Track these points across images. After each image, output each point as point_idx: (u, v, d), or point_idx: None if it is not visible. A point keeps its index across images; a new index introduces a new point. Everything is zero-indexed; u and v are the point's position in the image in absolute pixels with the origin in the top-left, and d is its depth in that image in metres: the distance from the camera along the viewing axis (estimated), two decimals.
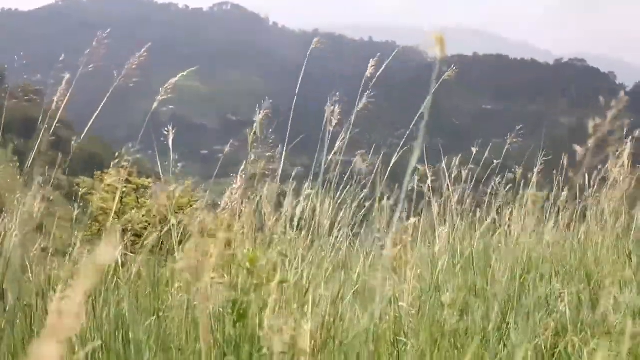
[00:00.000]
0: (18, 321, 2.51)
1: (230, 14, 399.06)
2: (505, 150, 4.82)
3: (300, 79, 3.80)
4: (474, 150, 4.80)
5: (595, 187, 4.73)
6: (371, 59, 3.42)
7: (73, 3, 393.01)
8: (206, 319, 1.46)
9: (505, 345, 2.18)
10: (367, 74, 3.32)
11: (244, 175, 3.20)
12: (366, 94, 3.29)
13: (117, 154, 3.14)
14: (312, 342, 1.74)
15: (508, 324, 2.47)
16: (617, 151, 4.61)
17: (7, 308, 2.49)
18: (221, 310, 1.90)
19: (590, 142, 1.38)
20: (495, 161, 4.97)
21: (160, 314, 2.19)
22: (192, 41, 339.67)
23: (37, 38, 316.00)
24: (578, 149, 1.44)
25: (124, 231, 3.14)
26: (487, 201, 4.73)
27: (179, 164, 3.63)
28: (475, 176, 4.69)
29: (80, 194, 3.78)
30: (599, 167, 4.75)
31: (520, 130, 4.90)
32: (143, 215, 3.87)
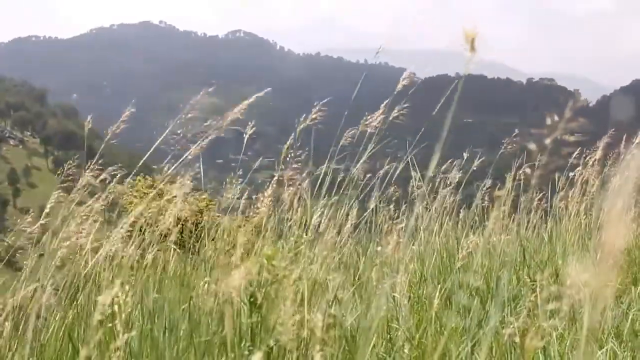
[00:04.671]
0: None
1: (242, 40, 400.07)
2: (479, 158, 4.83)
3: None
4: (465, 155, 4.79)
5: (564, 189, 4.75)
6: (405, 73, 3.22)
7: (104, 31, 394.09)
8: (230, 309, 1.47)
9: (483, 329, 2.19)
10: (400, 86, 3.15)
11: (274, 185, 3.17)
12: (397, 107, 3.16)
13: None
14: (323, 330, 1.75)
15: (487, 311, 2.48)
16: (586, 158, 4.64)
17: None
18: (240, 301, 1.91)
19: (547, 141, 1.36)
20: (474, 168, 4.97)
21: (191, 302, 2.20)
22: (210, 63, 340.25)
23: (74, 62, 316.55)
24: (533, 147, 1.42)
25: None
26: (467, 203, 4.74)
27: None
28: (463, 181, 4.69)
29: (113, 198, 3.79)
30: (569, 174, 4.78)
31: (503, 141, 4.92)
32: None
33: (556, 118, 1.29)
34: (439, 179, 4.46)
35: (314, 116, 3.16)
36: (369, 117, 3.20)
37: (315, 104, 3.21)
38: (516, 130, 5.04)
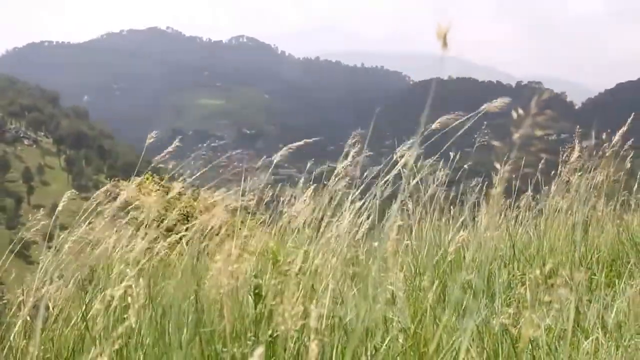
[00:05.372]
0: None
1: (245, 44, 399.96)
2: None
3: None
4: (452, 154, 4.75)
5: (551, 187, 4.74)
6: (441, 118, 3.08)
7: (114, 36, 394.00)
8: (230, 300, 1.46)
9: (475, 321, 2.18)
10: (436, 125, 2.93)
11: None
12: None
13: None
14: (320, 321, 1.74)
15: (479, 303, 2.47)
16: (566, 156, 4.62)
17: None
18: (244, 292, 1.91)
19: (516, 136, 1.34)
20: (465, 166, 4.96)
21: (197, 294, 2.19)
22: (214, 67, 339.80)
23: (85, 66, 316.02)
24: (497, 143, 1.40)
25: (158, 226, 3.13)
26: (458, 200, 4.73)
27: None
28: (447, 179, 4.66)
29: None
30: (553, 172, 4.77)
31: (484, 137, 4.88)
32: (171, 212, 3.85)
33: (521, 112, 1.27)
34: (420, 176, 4.41)
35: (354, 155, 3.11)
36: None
37: (353, 134, 3.19)
38: (485, 123, 4.98)
